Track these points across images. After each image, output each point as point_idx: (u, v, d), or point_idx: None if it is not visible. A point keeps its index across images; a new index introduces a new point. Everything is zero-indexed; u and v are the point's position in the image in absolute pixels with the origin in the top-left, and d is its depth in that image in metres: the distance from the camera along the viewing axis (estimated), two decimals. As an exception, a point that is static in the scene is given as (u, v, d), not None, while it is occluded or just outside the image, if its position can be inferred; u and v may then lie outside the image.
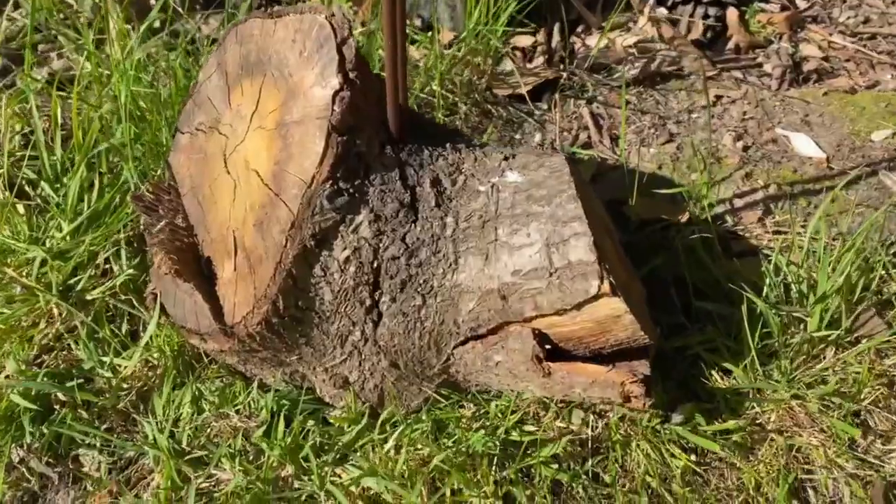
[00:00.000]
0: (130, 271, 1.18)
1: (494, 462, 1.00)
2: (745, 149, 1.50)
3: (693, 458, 1.04)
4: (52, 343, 1.15)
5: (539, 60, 1.70)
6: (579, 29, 1.81)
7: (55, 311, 1.17)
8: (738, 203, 1.39)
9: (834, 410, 1.06)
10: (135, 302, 1.16)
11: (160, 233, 1.02)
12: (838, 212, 1.35)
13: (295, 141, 0.90)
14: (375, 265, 0.92)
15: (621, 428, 1.05)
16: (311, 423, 1.05)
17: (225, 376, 1.11)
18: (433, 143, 1.01)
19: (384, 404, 1.04)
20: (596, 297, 0.87)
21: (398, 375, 1.00)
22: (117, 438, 1.06)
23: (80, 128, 1.26)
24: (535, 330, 0.93)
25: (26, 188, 1.30)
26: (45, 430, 1.06)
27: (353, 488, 0.98)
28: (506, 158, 0.99)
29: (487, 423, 1.04)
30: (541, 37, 1.75)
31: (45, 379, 1.09)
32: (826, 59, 1.76)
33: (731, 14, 1.82)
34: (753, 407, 1.08)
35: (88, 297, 1.17)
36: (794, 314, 1.11)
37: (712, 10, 1.80)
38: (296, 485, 1.00)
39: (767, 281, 1.15)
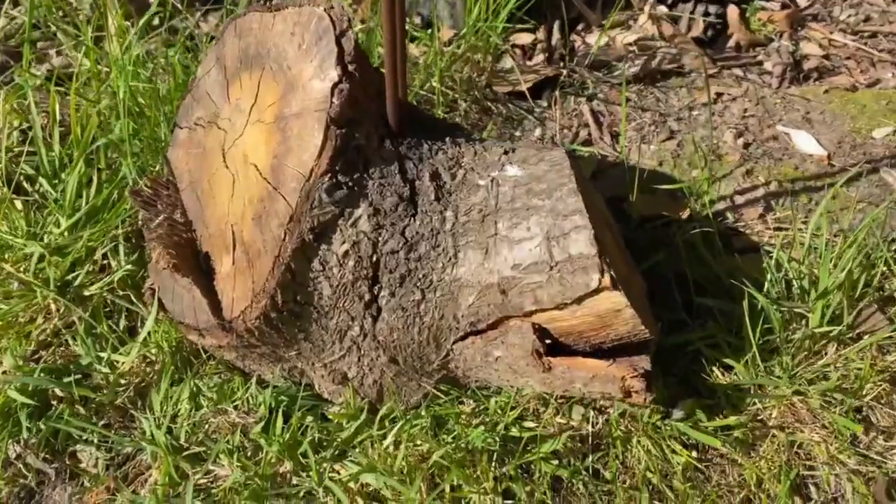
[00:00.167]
0: (128, 267, 1.18)
1: (494, 458, 0.99)
2: (746, 146, 1.50)
3: (694, 454, 1.03)
4: (49, 339, 1.15)
5: (539, 58, 1.70)
6: (579, 26, 1.81)
7: (53, 306, 1.16)
8: (739, 200, 1.38)
9: (836, 406, 1.06)
10: (133, 297, 1.16)
11: (158, 228, 1.01)
12: (839, 208, 1.35)
13: (293, 134, 0.90)
14: (374, 259, 0.92)
15: (622, 424, 1.04)
16: (309, 419, 1.04)
17: (223, 372, 1.10)
18: (432, 137, 1.00)
19: (383, 400, 1.03)
20: (597, 291, 0.86)
21: (397, 371, 0.99)
22: (115, 434, 1.06)
23: (78, 124, 1.26)
24: (535, 324, 0.92)
25: (24, 184, 1.29)
26: (43, 426, 1.06)
27: (351, 484, 0.98)
28: (506, 152, 0.98)
29: (487, 419, 1.03)
30: (541, 34, 1.74)
31: (42, 375, 1.08)
32: (827, 57, 1.76)
33: (732, 12, 1.82)
34: (755, 403, 1.07)
35: (86, 293, 1.16)
36: (796, 310, 1.10)
37: (713, 8, 1.80)
38: (294, 481, 0.99)
39: (769, 277, 1.14)
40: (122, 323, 1.16)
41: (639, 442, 1.03)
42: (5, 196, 1.23)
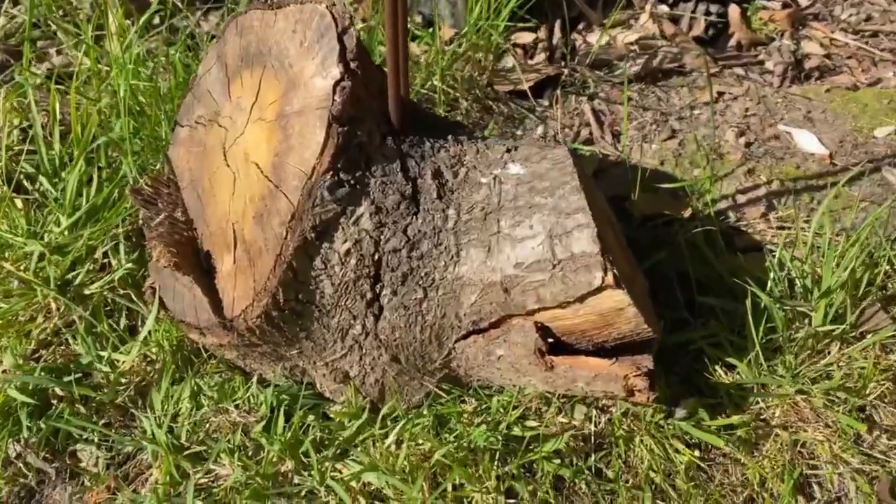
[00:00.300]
0: (129, 266, 1.17)
1: (496, 457, 0.99)
2: (748, 145, 1.49)
3: (697, 453, 1.03)
4: (49, 337, 1.15)
5: (540, 57, 1.70)
6: (580, 25, 1.80)
7: (53, 305, 1.16)
8: (741, 199, 1.38)
9: (839, 405, 1.05)
10: (133, 296, 1.15)
11: (159, 226, 1.01)
12: (842, 207, 1.34)
13: (295, 132, 0.90)
14: (376, 258, 0.92)
15: (624, 423, 1.04)
16: (311, 418, 1.04)
17: (224, 371, 1.10)
18: (434, 135, 1.00)
19: (385, 399, 1.03)
20: (599, 290, 0.86)
21: (399, 370, 0.99)
22: (115, 433, 1.05)
23: (78, 122, 1.25)
24: (538, 323, 0.92)
25: (24, 183, 1.29)
26: (43, 425, 1.05)
27: (353, 483, 0.97)
28: (508, 150, 0.98)
29: (489, 418, 1.03)
30: (542, 33, 1.74)
31: (42, 374, 1.08)
32: (828, 56, 1.76)
33: (733, 11, 1.82)
34: (758, 402, 1.07)
35: (87, 292, 1.16)
36: (799, 309, 1.10)
37: (714, 8, 1.80)
38: (296, 480, 0.99)
39: (771, 276, 1.14)
40: (123, 322, 1.16)
41: (641, 441, 1.03)
42: (5, 195, 1.23)
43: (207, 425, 1.05)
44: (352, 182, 0.89)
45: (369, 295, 0.93)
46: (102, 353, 1.10)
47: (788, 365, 1.07)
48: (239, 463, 0.99)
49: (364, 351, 0.97)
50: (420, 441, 1.00)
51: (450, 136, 1.00)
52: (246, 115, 0.98)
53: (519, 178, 0.94)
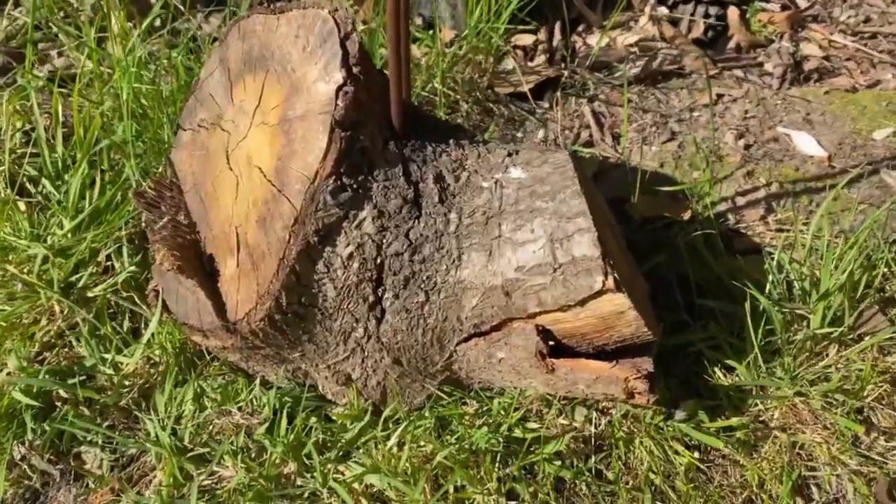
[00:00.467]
0: (132, 268, 1.18)
1: (498, 459, 1.00)
2: (747, 147, 1.50)
3: (696, 454, 1.04)
4: (53, 340, 1.15)
5: (540, 59, 1.70)
6: (580, 27, 1.81)
7: (57, 308, 1.17)
8: (741, 201, 1.39)
9: (837, 407, 1.06)
10: (136, 299, 1.16)
11: (162, 229, 1.01)
12: (840, 210, 1.35)
13: (298, 137, 0.90)
14: (379, 261, 0.92)
15: (624, 425, 1.05)
16: (313, 420, 1.04)
17: (227, 373, 1.11)
18: (436, 138, 1.00)
19: (387, 401, 1.04)
20: (600, 293, 0.87)
21: (401, 372, 1.00)
22: (119, 436, 1.06)
23: (81, 125, 1.26)
24: (539, 326, 0.92)
25: (27, 185, 1.30)
26: (47, 428, 1.06)
27: (355, 485, 0.98)
28: (509, 154, 0.98)
29: (490, 420, 1.03)
30: (542, 35, 1.75)
31: (46, 376, 1.09)
32: (827, 58, 1.77)
33: (732, 13, 1.82)
34: (756, 404, 1.08)
35: (90, 295, 1.17)
36: (797, 311, 1.11)
37: (713, 10, 1.80)
38: (298, 482, 1.00)
39: (770, 278, 1.15)
40: (126, 324, 1.16)
41: (641, 443, 1.03)
42: (9, 197, 1.23)
43: (211, 427, 1.05)
44: (354, 186, 0.90)
45: (371, 298, 0.94)
46: (106, 356, 1.11)
47: (787, 367, 1.08)
48: (242, 465, 1.00)
49: (366, 353, 0.98)
50: (422, 443, 1.01)
51: (451, 140, 1.01)
52: (249, 119, 0.98)
53: (520, 183, 0.95)
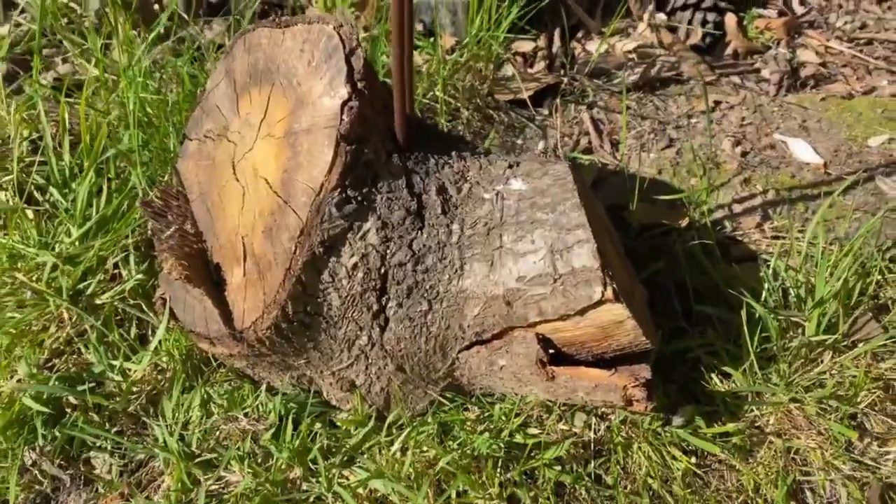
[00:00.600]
0: (139, 276, 1.20)
1: (499, 464, 1.02)
2: (744, 154, 1.52)
3: (693, 460, 1.05)
4: (62, 347, 1.17)
5: (540, 66, 1.72)
6: (580, 34, 1.83)
7: (65, 315, 1.18)
8: (737, 208, 1.41)
9: (831, 413, 1.08)
10: (144, 307, 1.18)
11: (170, 238, 1.03)
12: (836, 217, 1.37)
13: (303, 150, 0.92)
14: (383, 271, 0.94)
15: (623, 430, 1.07)
16: (318, 425, 1.06)
17: (233, 380, 1.12)
18: (438, 150, 1.02)
19: (390, 407, 1.06)
20: (599, 304, 0.89)
21: (404, 379, 1.02)
22: (128, 441, 1.07)
23: (87, 133, 1.27)
24: (539, 335, 0.94)
25: (35, 194, 1.31)
26: (57, 433, 1.08)
27: (360, 490, 1.00)
28: (510, 166, 1.00)
29: (492, 426, 1.05)
30: (542, 42, 1.76)
31: (56, 382, 1.10)
32: (823, 64, 1.78)
33: (730, 20, 1.84)
34: (752, 410, 1.10)
35: (98, 302, 1.18)
36: (793, 318, 1.12)
37: (711, 16, 1.82)
38: (304, 487, 1.01)
39: (766, 286, 1.17)
40: (134, 331, 1.18)
41: (639, 448, 1.05)
42: (17, 206, 1.25)
43: (218, 433, 1.07)
44: (359, 198, 0.92)
45: (375, 307, 0.95)
46: (114, 363, 1.13)
47: (782, 373, 1.10)
48: (249, 470, 1.01)
49: (370, 361, 1.00)
50: (425, 448, 1.03)
51: (454, 152, 1.03)
52: (255, 131, 1.00)
53: (521, 194, 0.97)
